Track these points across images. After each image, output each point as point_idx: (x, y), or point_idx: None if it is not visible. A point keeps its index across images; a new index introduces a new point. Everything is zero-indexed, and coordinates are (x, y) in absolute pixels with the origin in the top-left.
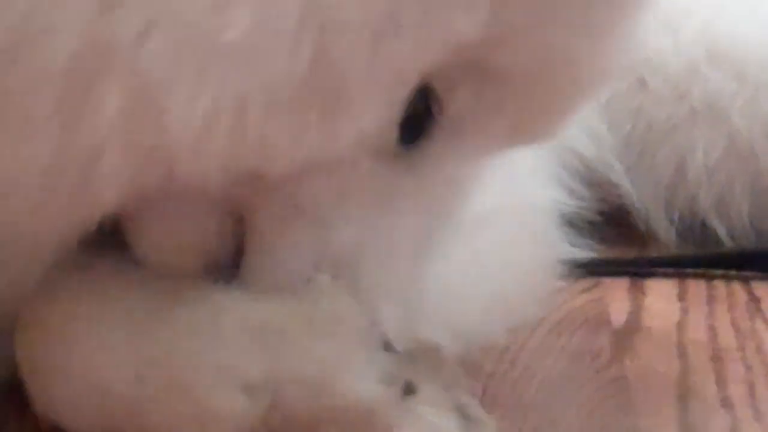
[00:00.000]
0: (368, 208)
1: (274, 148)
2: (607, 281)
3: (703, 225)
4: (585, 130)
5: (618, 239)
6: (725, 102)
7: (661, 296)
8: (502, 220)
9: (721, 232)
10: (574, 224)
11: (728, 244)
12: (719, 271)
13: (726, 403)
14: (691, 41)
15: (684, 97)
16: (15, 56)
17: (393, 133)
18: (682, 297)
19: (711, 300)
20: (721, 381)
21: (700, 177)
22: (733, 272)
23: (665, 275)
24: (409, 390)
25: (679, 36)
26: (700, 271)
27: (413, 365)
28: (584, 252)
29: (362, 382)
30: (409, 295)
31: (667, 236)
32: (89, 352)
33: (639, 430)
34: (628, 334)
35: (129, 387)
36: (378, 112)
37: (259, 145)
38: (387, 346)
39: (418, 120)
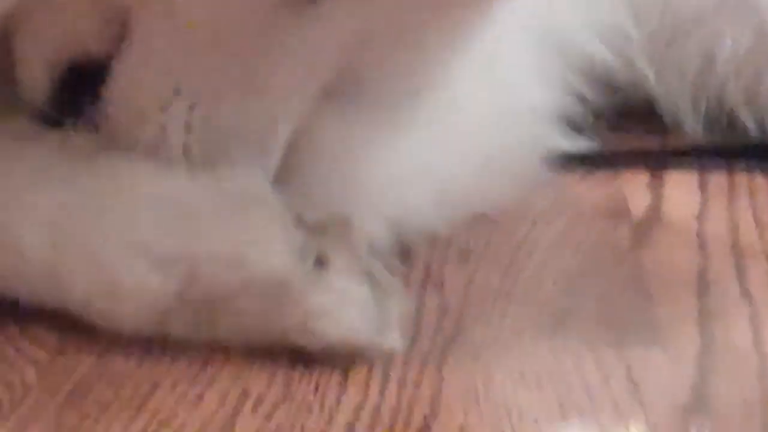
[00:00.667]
0: (250, 45)
1: None
2: (627, 173)
3: (731, 117)
4: (607, 31)
5: (639, 129)
6: None
7: (681, 187)
8: (480, 112)
9: (750, 124)
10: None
11: (756, 136)
12: (741, 164)
13: (745, 293)
14: None
15: None
16: None
17: None
18: (702, 188)
19: (732, 191)
20: (740, 272)
21: (729, 69)
22: (754, 163)
23: (686, 166)
24: (321, 262)
25: None
26: (721, 162)
27: (324, 237)
28: (595, 144)
29: (276, 256)
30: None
31: (693, 128)
32: (4, 206)
33: (658, 320)
34: (647, 226)
35: (44, 252)
36: None
37: None
38: (299, 221)
39: None
